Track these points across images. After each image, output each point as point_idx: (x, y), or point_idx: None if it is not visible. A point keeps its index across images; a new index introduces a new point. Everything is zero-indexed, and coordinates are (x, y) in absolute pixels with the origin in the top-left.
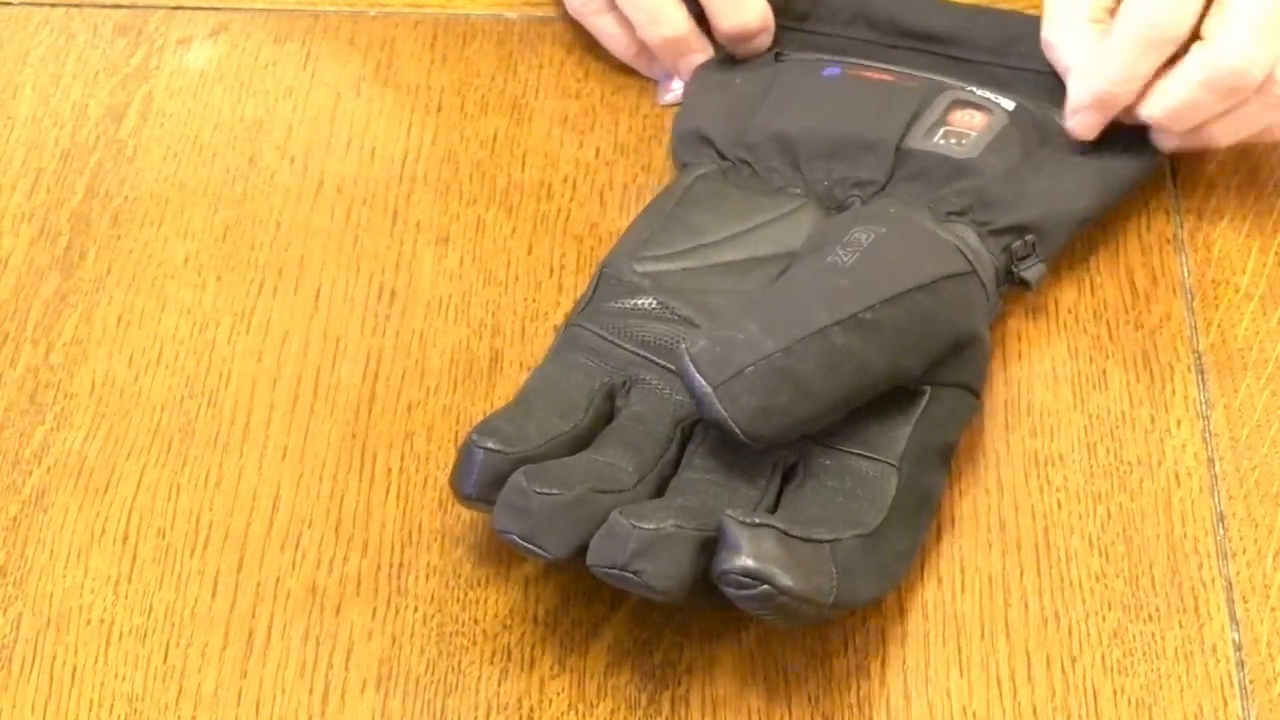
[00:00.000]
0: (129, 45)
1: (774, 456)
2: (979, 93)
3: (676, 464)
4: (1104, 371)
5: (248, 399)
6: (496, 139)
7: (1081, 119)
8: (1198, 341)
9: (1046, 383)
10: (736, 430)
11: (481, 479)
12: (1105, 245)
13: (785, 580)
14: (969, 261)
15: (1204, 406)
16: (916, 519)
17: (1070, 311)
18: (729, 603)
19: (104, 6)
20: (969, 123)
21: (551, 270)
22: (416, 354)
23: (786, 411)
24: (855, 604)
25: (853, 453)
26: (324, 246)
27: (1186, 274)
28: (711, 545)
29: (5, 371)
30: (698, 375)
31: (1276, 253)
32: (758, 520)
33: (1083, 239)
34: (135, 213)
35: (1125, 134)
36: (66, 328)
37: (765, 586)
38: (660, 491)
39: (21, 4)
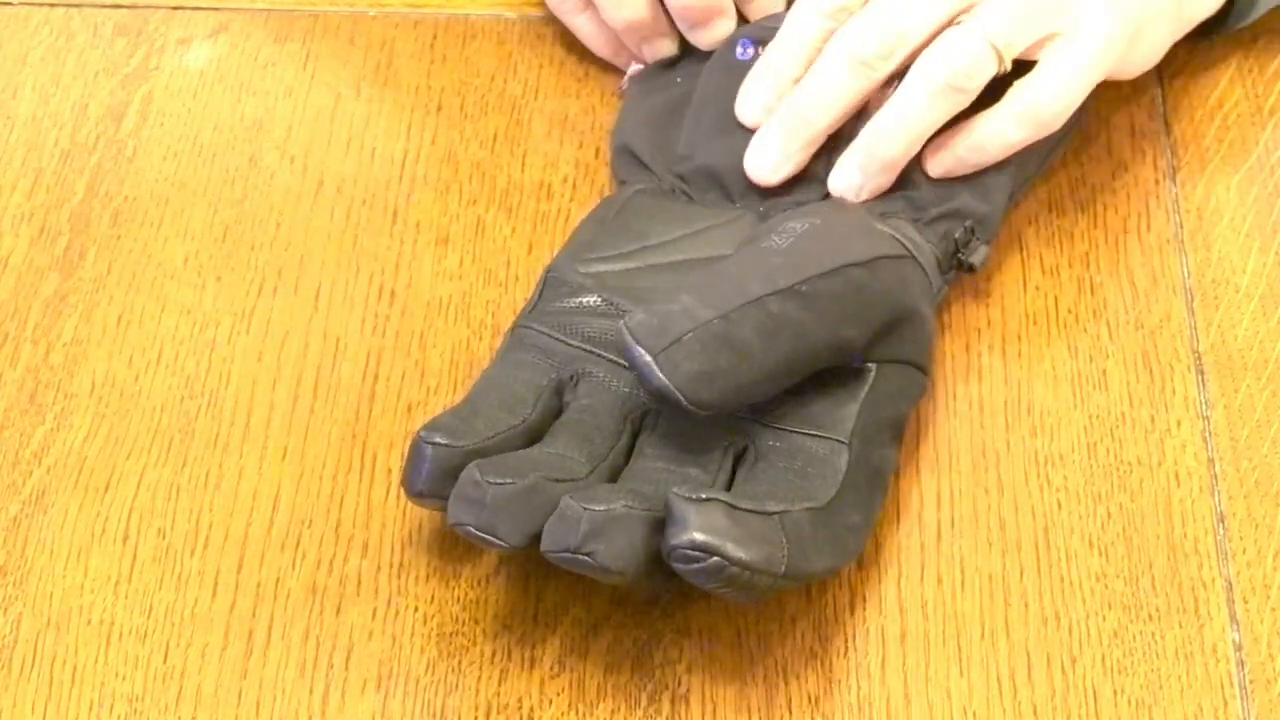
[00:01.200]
0: (129, 45)
1: (724, 441)
2: None
3: (628, 455)
4: (1104, 371)
5: (248, 399)
6: (496, 139)
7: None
8: (1198, 341)
9: (1046, 383)
10: (680, 397)
11: (432, 474)
12: (1105, 245)
13: (735, 551)
14: (906, 249)
15: (1204, 407)
16: (870, 494)
17: (1070, 311)
18: (683, 583)
19: (104, 6)
20: None
21: None
22: (416, 354)
23: (727, 376)
24: (808, 575)
25: (802, 433)
26: (324, 246)
27: (1186, 274)
28: (663, 526)
29: (5, 371)
30: (637, 346)
31: (1276, 253)
32: (704, 495)
33: (1083, 238)
34: (135, 213)
35: None
36: (66, 328)
37: (715, 559)
38: (612, 482)
39: (21, 4)
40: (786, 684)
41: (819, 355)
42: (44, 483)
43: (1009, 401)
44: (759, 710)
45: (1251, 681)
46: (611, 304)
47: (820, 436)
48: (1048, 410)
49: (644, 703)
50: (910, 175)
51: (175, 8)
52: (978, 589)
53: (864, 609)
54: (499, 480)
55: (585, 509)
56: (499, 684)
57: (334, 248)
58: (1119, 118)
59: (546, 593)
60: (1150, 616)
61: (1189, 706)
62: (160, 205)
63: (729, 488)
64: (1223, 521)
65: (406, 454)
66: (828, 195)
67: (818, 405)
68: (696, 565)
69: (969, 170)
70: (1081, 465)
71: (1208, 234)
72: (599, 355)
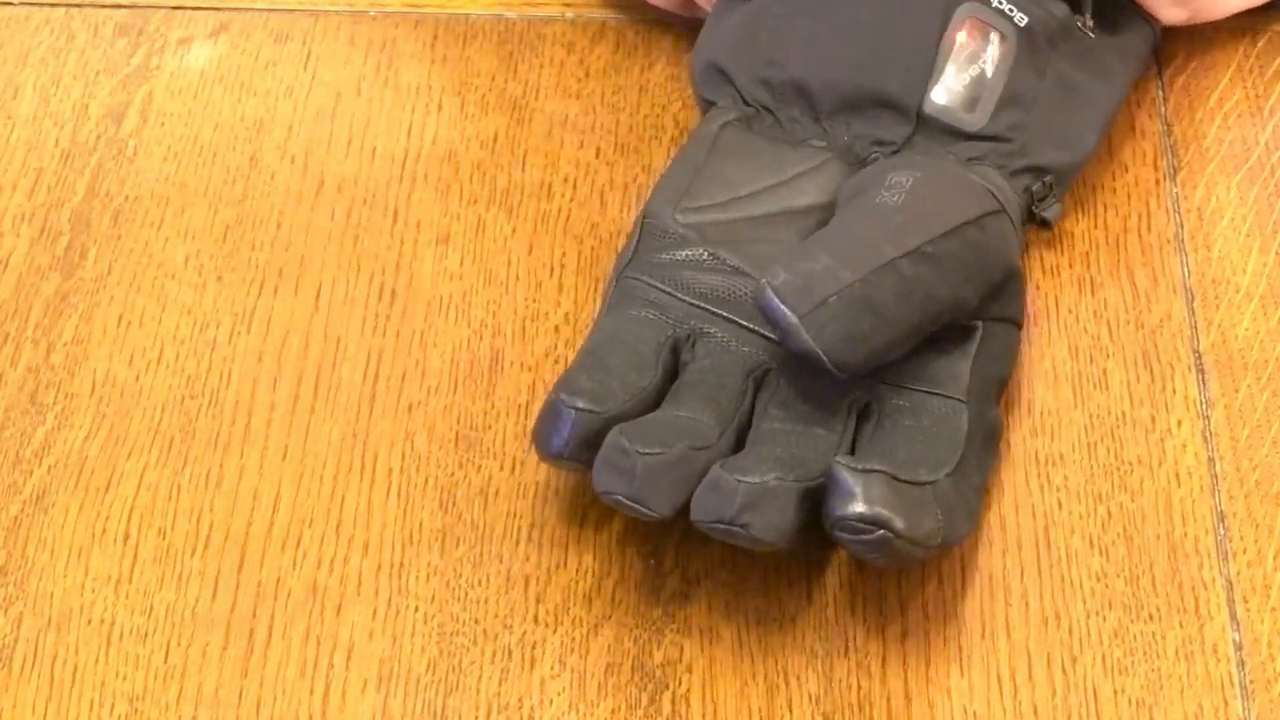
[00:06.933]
0: (129, 45)
1: (847, 399)
2: (994, 2)
3: (750, 415)
4: (1104, 371)
5: (248, 399)
6: (496, 139)
7: None
8: (1198, 341)
9: (1046, 383)
10: (825, 359)
11: (574, 438)
12: (1105, 245)
13: (899, 524)
14: (999, 201)
15: (1204, 406)
16: (986, 454)
17: (1070, 311)
18: (823, 546)
19: (104, 6)
20: (981, 54)
21: (552, 270)
22: (417, 354)
23: (869, 339)
24: (955, 543)
25: (923, 391)
26: (324, 246)
27: (1186, 274)
28: (810, 495)
29: (6, 371)
30: (782, 306)
31: (1276, 253)
32: (868, 466)
33: (1083, 238)
34: (135, 213)
35: (1110, 52)
36: (67, 328)
37: (882, 532)
38: (739, 443)
39: (21, 4)
40: (786, 684)
41: (942, 316)
42: (44, 483)
43: (1009, 401)
44: (759, 710)
45: (1252, 681)
46: (717, 258)
47: (940, 395)
48: (1048, 410)
49: (644, 703)
50: (997, 132)
51: (175, 8)
52: (978, 589)
53: (864, 609)
54: (648, 450)
55: (740, 481)
56: (499, 684)
57: (334, 248)
58: (1119, 117)
59: (547, 593)
60: (1150, 616)
61: (1189, 706)
62: (161, 205)
63: (854, 446)
64: (1223, 521)
65: (542, 414)
66: (913, 132)
67: (934, 363)
68: (864, 537)
69: None
70: (1082, 465)
71: (1208, 234)
72: (713, 313)
